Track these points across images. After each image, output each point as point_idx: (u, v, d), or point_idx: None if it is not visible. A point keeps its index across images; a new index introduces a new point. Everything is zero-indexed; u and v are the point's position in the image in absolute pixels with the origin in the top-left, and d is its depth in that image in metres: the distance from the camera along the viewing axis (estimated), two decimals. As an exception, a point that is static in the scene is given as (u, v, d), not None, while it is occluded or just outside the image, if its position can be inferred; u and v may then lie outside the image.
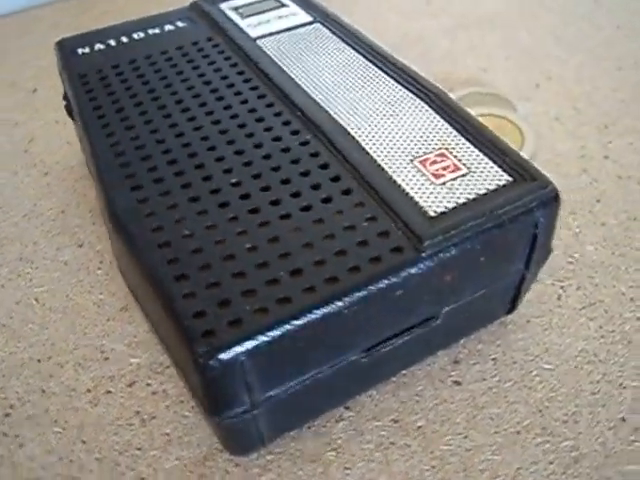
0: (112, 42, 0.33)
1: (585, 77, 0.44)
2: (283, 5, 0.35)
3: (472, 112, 0.39)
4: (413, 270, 0.22)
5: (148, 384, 0.29)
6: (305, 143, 0.26)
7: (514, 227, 0.23)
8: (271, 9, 0.35)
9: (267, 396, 0.22)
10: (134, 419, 0.28)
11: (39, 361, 0.30)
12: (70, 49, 0.33)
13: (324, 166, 0.25)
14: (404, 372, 0.28)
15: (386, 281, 0.21)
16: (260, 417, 0.23)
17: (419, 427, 0.26)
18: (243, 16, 0.35)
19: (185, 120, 0.28)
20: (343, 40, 0.32)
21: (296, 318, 0.21)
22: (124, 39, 0.34)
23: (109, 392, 0.28)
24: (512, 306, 0.28)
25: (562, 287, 0.31)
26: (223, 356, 0.20)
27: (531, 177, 0.24)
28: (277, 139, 0.27)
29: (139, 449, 0.27)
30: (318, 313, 0.21)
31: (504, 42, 0.48)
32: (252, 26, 0.34)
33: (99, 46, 0.33)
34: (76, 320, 0.31)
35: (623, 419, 0.26)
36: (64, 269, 0.34)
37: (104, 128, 0.28)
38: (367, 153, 0.25)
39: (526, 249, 0.24)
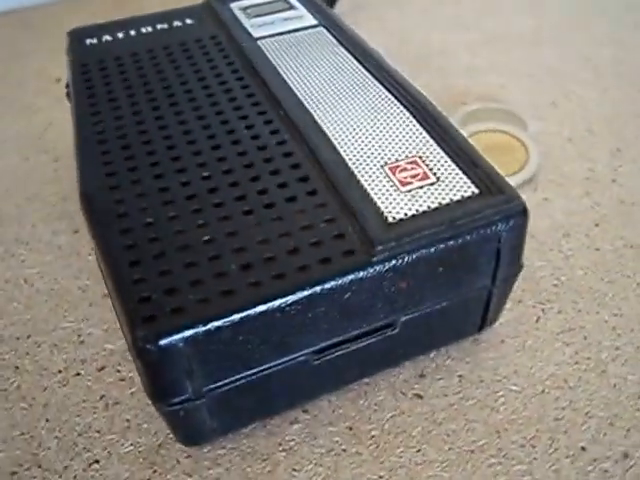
0: (120, 34, 0.34)
1: (607, 100, 0.43)
2: (291, 7, 0.36)
3: (480, 127, 0.39)
4: (362, 274, 0.21)
5: (118, 370, 0.29)
6: (282, 142, 0.26)
7: (474, 239, 0.22)
8: (279, 11, 0.35)
9: (211, 387, 0.22)
10: (98, 403, 0.28)
11: (18, 339, 0.31)
12: (79, 39, 0.34)
13: (295, 166, 0.25)
14: (367, 381, 0.27)
15: (333, 282, 0.21)
16: (204, 408, 0.23)
17: (373, 436, 0.26)
18: (250, 16, 0.35)
19: (172, 114, 0.29)
20: (343, 45, 0.32)
21: (237, 311, 0.21)
22: (132, 32, 0.34)
23: (78, 374, 0.29)
24: (483, 323, 0.27)
25: (543, 310, 0.30)
26: (161, 342, 0.20)
27: (499, 190, 0.23)
28: (256, 137, 0.27)
29: (98, 432, 0.27)
30: (260, 308, 0.21)
31: (528, 60, 0.48)
32: (256, 26, 0.34)
33: (107, 37, 0.34)
34: (59, 303, 0.32)
35: (583, 448, 0.25)
36: (57, 253, 0.35)
37: (93, 115, 0.29)
38: (340, 156, 0.25)
39: (491, 263, 0.24)
